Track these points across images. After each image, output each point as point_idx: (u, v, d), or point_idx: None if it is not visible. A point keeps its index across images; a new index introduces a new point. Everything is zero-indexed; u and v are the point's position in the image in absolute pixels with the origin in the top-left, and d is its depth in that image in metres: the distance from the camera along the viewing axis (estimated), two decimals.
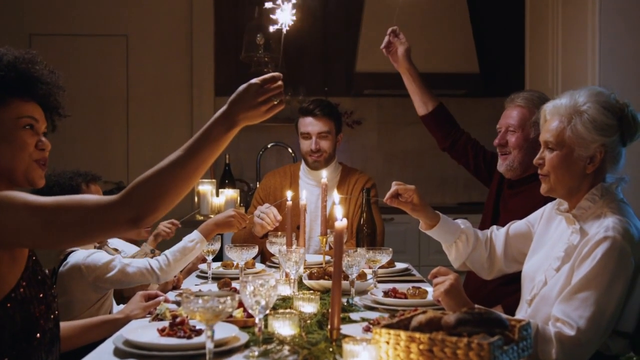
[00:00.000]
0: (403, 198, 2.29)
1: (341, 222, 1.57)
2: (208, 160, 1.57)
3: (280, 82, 1.64)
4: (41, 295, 1.65)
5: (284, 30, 1.85)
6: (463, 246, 2.32)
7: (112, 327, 2.13)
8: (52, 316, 1.68)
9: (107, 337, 2.17)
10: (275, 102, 1.64)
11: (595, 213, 1.89)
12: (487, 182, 3.10)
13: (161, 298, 2.20)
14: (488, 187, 3.06)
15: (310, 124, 3.40)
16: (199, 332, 1.77)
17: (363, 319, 2.01)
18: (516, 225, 2.27)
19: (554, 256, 1.94)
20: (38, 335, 1.63)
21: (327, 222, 2.73)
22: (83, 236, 1.55)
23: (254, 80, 1.63)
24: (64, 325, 2.08)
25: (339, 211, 1.67)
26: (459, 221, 2.36)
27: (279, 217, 3.01)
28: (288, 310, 1.83)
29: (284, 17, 1.87)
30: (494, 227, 2.35)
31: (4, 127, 1.64)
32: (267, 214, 3.02)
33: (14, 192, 1.55)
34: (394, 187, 2.29)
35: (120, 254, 2.61)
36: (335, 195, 2.55)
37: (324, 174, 2.74)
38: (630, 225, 1.81)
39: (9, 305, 1.58)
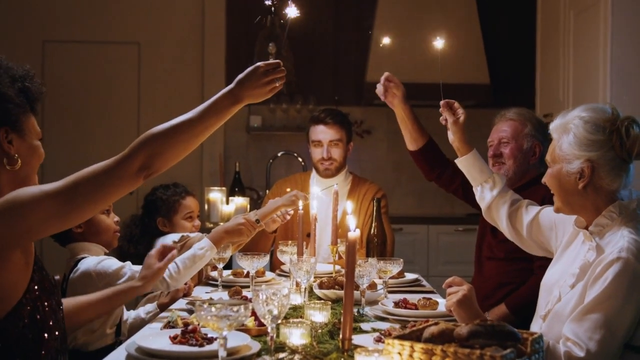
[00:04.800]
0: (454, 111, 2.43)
1: (354, 233, 1.58)
2: (212, 127, 1.76)
3: (282, 67, 1.84)
4: (46, 302, 1.66)
5: (289, 16, 2.03)
6: (489, 188, 2.36)
7: (132, 294, 2.17)
8: (57, 325, 1.68)
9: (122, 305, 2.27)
10: (277, 84, 1.84)
11: (612, 231, 1.86)
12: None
13: (174, 251, 2.20)
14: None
15: (321, 132, 3.42)
16: (210, 340, 1.78)
17: (374, 330, 2.01)
18: (545, 214, 2.22)
19: (570, 272, 1.92)
20: (43, 351, 1.63)
21: (338, 231, 2.73)
22: (104, 198, 1.61)
23: (260, 64, 1.82)
24: (82, 298, 2.14)
25: (352, 221, 1.67)
26: (497, 175, 2.40)
27: (291, 211, 2.97)
28: (300, 320, 1.83)
29: (291, 10, 2.04)
30: (529, 201, 2.33)
31: (30, 139, 1.70)
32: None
33: (26, 187, 1.58)
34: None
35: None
36: (347, 205, 2.56)
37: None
38: None
39: (20, 311, 1.58)
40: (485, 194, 2.37)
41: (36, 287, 1.63)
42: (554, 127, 1.97)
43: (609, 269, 1.74)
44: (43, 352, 1.61)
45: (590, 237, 1.90)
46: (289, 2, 2.02)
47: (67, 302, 2.05)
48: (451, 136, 2.45)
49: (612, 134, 1.86)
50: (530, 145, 2.81)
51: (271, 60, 1.84)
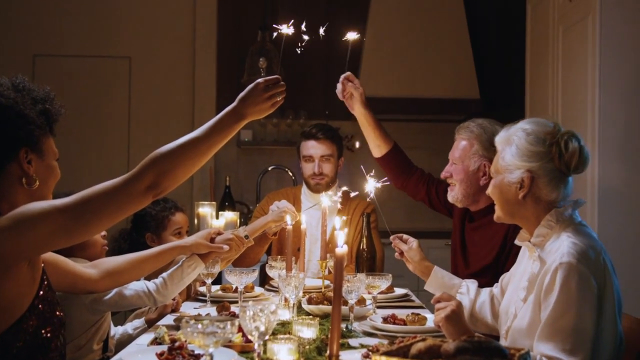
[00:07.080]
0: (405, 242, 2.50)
1: (342, 249, 1.57)
2: (217, 145, 1.79)
3: (282, 82, 1.88)
4: (50, 320, 1.65)
5: (285, 33, 2.13)
6: (465, 292, 2.35)
7: (181, 251, 2.41)
8: (60, 343, 1.67)
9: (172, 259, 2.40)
10: (278, 99, 1.88)
11: (552, 239, 1.91)
12: (449, 215, 3.10)
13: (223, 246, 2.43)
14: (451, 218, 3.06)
15: (312, 147, 3.42)
16: (197, 357, 1.76)
17: (362, 345, 2.00)
18: (506, 279, 2.25)
19: (520, 287, 1.97)
20: None
21: (327, 246, 2.72)
22: (112, 215, 1.64)
23: (260, 80, 1.85)
24: (133, 255, 2.29)
25: (340, 237, 1.67)
26: (467, 280, 2.41)
27: (298, 217, 2.93)
28: (287, 336, 1.82)
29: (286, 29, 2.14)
30: (495, 284, 2.33)
31: (49, 159, 1.74)
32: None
33: (36, 202, 1.61)
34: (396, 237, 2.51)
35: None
36: (337, 220, 2.55)
37: (325, 198, 2.75)
38: (587, 247, 1.82)
39: (23, 326, 1.57)
40: (465, 301, 2.31)
41: (41, 305, 1.62)
42: (498, 139, 2.04)
43: (556, 277, 1.78)
44: None
45: (533, 249, 1.94)
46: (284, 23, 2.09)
47: (114, 260, 2.22)
48: (411, 266, 2.48)
49: (552, 146, 1.93)
50: (477, 166, 2.68)
51: (271, 76, 1.87)
